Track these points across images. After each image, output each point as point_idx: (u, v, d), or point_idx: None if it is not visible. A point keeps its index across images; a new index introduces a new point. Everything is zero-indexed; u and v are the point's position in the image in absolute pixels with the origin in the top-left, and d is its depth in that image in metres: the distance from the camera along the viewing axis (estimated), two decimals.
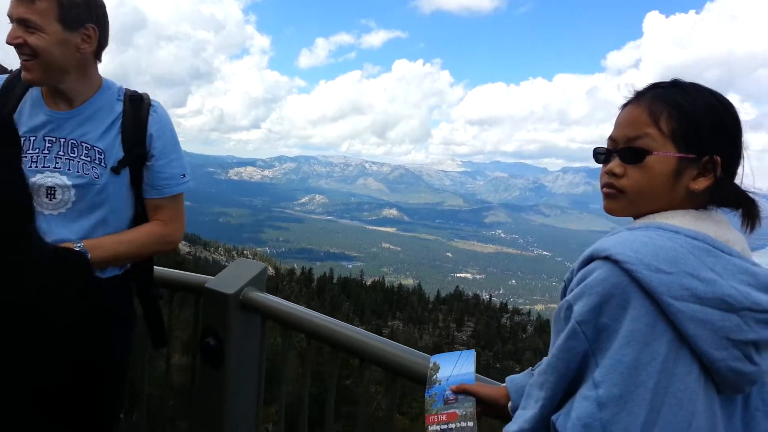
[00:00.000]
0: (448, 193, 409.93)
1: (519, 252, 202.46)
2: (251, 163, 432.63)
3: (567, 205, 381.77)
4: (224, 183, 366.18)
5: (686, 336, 0.90)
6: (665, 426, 0.88)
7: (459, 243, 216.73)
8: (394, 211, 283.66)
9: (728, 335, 0.92)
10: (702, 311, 0.90)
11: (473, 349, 1.52)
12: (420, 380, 1.49)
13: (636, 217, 1.12)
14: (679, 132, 1.07)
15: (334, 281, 56.48)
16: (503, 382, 1.33)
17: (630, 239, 0.97)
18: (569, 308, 0.96)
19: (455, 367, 1.44)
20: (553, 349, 0.99)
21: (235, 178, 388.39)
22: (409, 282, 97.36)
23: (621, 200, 1.12)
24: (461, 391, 1.38)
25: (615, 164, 1.12)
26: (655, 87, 1.13)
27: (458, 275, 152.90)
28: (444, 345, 43.56)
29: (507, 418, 1.33)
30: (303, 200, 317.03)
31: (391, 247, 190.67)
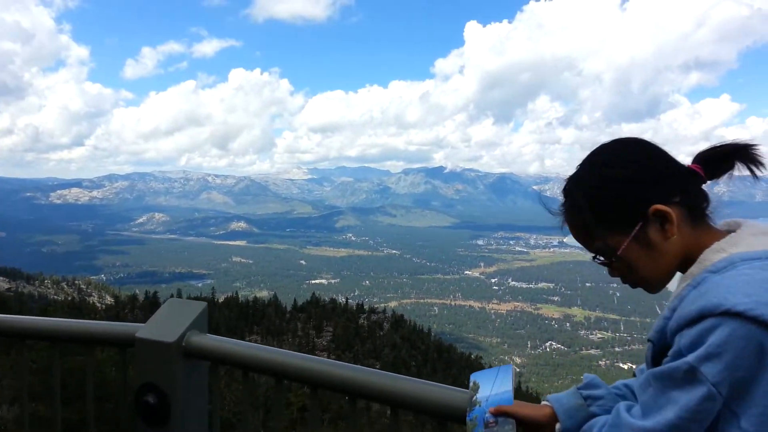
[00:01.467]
0: (297, 201, 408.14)
1: (370, 253, 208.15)
2: (76, 184, 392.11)
3: (410, 205, 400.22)
4: (46, 208, 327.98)
5: None
6: None
7: (312, 250, 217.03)
8: (242, 224, 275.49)
9: None
10: None
11: (510, 364, 1.48)
12: (455, 418, 1.43)
13: (681, 270, 1.15)
14: (610, 221, 1.16)
15: None
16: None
17: (732, 284, 0.96)
18: (693, 369, 0.93)
19: (494, 386, 1.38)
20: (675, 410, 0.96)
21: (59, 201, 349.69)
22: (264, 294, 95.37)
23: (650, 286, 1.20)
24: (500, 413, 1.33)
25: (611, 272, 1.21)
26: (563, 202, 1.25)
27: (313, 282, 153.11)
28: (304, 353, 43.36)
29: None
30: (141, 220, 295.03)
31: (242, 260, 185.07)
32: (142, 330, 1.87)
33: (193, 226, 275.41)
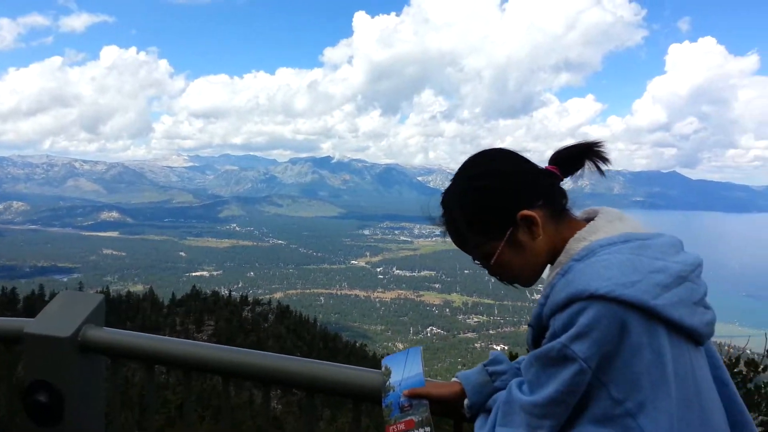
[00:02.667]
0: (176, 190, 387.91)
1: (255, 244, 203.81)
2: None
3: (297, 194, 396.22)
4: None
5: (673, 321, 1.07)
6: (682, 401, 1.06)
7: (192, 241, 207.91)
8: (114, 214, 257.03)
9: (693, 300, 1.13)
10: (674, 295, 1.08)
11: (419, 347, 1.50)
12: (370, 398, 1.41)
13: (551, 262, 1.28)
14: (482, 228, 1.28)
15: (46, 299, 49.46)
16: None
17: (593, 270, 1.11)
18: (565, 348, 1.07)
19: (405, 370, 1.40)
20: (554, 384, 1.10)
21: None
22: (138, 288, 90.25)
23: (525, 282, 1.35)
24: (414, 396, 1.38)
25: (490, 272, 1.34)
26: (442, 213, 1.36)
27: (194, 274, 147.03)
28: None
29: (461, 416, 1.37)
30: None
31: (114, 252, 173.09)
32: (31, 325, 1.73)
33: (57, 216, 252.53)
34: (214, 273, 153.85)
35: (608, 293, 1.05)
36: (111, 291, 57.66)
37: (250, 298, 64.08)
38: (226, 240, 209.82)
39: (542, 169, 1.32)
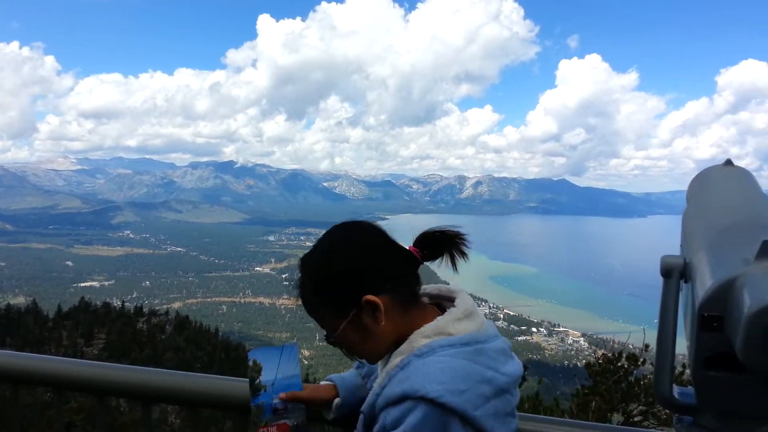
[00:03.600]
0: (63, 195, 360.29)
1: (151, 251, 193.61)
2: None
3: (198, 200, 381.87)
4: None
5: (485, 431, 1.14)
6: None
7: (81, 249, 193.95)
8: None
9: (506, 411, 1.21)
10: (492, 407, 1.16)
11: (295, 344, 1.45)
12: (228, 407, 1.37)
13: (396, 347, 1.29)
14: (327, 305, 1.31)
15: None
16: None
17: (429, 371, 1.15)
18: None
19: (279, 368, 1.36)
20: None
21: None
22: (20, 300, 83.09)
23: (368, 361, 1.38)
24: (294, 400, 1.37)
25: (334, 345, 1.36)
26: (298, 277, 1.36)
27: (83, 285, 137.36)
28: None
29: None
30: None
31: None
32: None
33: None
34: (106, 283, 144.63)
35: (437, 398, 1.10)
36: None
37: (145, 309, 61.23)
38: (119, 248, 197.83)
39: (402, 251, 1.33)
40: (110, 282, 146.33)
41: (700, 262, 0.97)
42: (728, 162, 1.25)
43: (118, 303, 65.12)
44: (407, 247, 1.34)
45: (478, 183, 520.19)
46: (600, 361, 6.30)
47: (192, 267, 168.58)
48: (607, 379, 6.04)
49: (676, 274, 1.02)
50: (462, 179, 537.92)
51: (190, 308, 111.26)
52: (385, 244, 1.33)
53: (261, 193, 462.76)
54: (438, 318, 1.28)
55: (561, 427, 1.61)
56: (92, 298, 64.70)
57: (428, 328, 1.25)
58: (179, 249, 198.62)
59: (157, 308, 67.41)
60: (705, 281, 0.91)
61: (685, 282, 1.03)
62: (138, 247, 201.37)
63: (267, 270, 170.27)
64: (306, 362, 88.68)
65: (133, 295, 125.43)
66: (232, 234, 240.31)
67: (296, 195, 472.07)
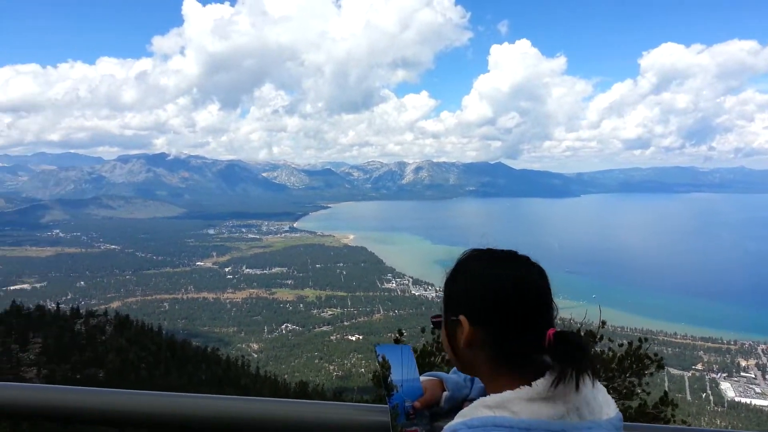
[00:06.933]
0: None
1: (84, 250, 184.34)
2: None
3: (131, 195, 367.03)
4: None
5: None
6: None
7: (8, 250, 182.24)
8: None
9: None
10: None
11: (410, 345, 1.49)
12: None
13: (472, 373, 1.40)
14: (444, 299, 1.38)
15: None
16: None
17: None
18: None
19: (402, 369, 1.38)
20: None
21: None
22: None
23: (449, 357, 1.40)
24: (423, 407, 1.40)
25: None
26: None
27: (13, 288, 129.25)
28: (6, 370, 36.88)
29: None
30: None
31: None
32: None
33: None
34: (37, 285, 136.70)
35: None
36: None
37: (82, 310, 58.11)
38: (49, 248, 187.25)
39: (545, 320, 1.30)
40: (42, 284, 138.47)
41: None
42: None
43: (53, 305, 61.50)
44: (549, 330, 1.27)
45: (418, 168, 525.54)
46: None
47: (128, 265, 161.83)
48: None
49: None
50: (402, 165, 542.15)
51: (130, 307, 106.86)
52: (526, 302, 1.29)
53: (197, 185, 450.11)
54: (507, 391, 1.23)
55: None
56: (24, 302, 60.74)
57: (494, 398, 1.22)
58: (113, 247, 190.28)
59: (94, 309, 64.20)
60: None
61: None
62: (69, 246, 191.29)
63: (209, 264, 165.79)
64: (255, 355, 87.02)
65: (68, 297, 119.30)
66: (169, 229, 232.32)
67: (235, 187, 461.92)
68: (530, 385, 1.22)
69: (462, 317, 1.28)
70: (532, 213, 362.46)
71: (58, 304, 65.94)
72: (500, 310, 1.27)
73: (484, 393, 1.35)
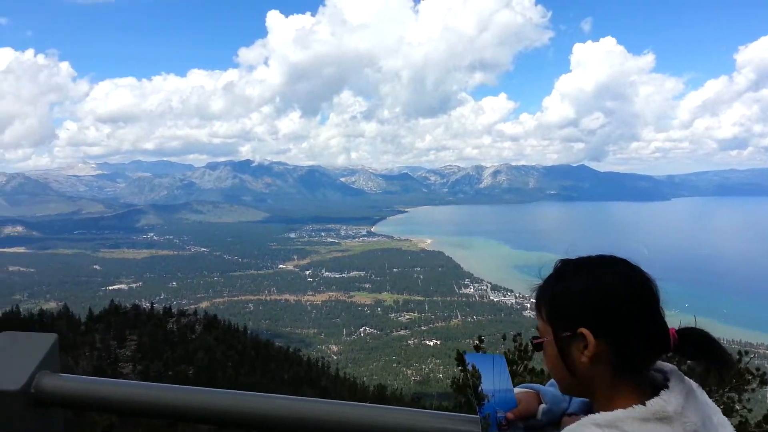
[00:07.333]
0: (85, 200, 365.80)
1: (176, 253, 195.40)
2: None
3: (218, 200, 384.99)
4: None
5: None
6: None
7: (107, 253, 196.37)
8: (18, 228, 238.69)
9: None
10: None
11: (502, 355, 1.42)
12: None
13: (584, 395, 1.30)
14: (551, 315, 1.26)
15: None
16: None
17: None
18: None
19: (494, 379, 1.34)
20: None
21: None
22: (52, 306, 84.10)
23: (557, 383, 1.31)
24: (518, 419, 1.35)
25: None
26: (550, 274, 1.31)
27: (112, 288, 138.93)
28: (106, 366, 39.41)
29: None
30: None
31: (21, 269, 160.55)
32: None
33: None
34: (134, 285, 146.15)
35: None
36: (21, 310, 53.22)
37: (174, 310, 61.36)
38: (144, 250, 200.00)
39: (660, 322, 1.25)
40: (138, 284, 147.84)
41: None
42: None
43: (147, 305, 65.39)
44: (669, 328, 1.25)
45: (496, 172, 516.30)
46: None
47: (216, 267, 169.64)
48: None
49: None
50: (480, 169, 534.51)
51: (218, 307, 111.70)
52: (645, 302, 1.25)
53: (279, 191, 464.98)
54: (620, 409, 1.17)
55: None
56: (121, 301, 65.04)
57: (604, 416, 1.16)
58: (203, 249, 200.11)
59: (185, 308, 67.58)
60: None
61: None
62: (162, 248, 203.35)
63: (290, 267, 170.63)
64: (334, 357, 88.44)
65: (161, 297, 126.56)
66: (253, 233, 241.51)
67: (314, 192, 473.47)
68: (644, 404, 1.16)
69: (584, 330, 1.20)
70: (618, 217, 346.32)
71: (152, 303, 70.06)
72: (623, 317, 1.21)
73: (585, 407, 1.31)
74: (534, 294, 1.32)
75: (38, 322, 48.76)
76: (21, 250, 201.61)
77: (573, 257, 1.31)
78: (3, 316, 49.63)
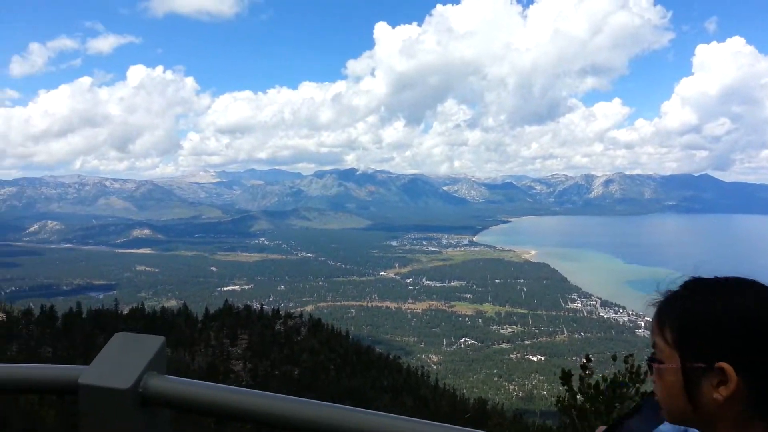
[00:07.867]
0: (205, 206, 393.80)
1: (284, 257, 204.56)
2: None
3: (324, 207, 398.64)
4: None
5: None
6: None
7: (223, 255, 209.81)
8: (146, 231, 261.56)
9: None
10: None
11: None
12: None
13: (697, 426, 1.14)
14: (680, 341, 1.11)
15: (84, 316, 49.74)
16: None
17: None
18: None
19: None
20: None
21: None
22: (172, 303, 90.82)
23: (664, 412, 1.18)
24: None
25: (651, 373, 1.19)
26: (677, 291, 1.17)
27: (226, 288, 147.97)
28: (219, 362, 41.68)
29: None
30: (32, 229, 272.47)
31: (147, 269, 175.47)
32: (87, 374, 1.50)
33: (91, 234, 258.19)
34: (246, 287, 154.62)
35: None
36: (146, 307, 57.82)
37: (281, 312, 63.73)
38: (256, 254, 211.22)
39: None
40: (249, 286, 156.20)
41: None
42: None
43: (258, 306, 68.40)
44: None
45: (608, 181, 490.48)
46: None
47: (321, 272, 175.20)
48: None
49: None
50: (590, 178, 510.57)
51: (322, 311, 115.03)
52: None
53: (382, 198, 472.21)
54: None
55: None
56: (234, 301, 68.77)
57: None
58: (309, 255, 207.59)
59: (291, 311, 70.09)
60: None
61: None
62: (272, 253, 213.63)
63: (391, 275, 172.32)
64: (434, 366, 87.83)
65: (270, 299, 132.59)
66: (356, 239, 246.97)
67: (417, 200, 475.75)
68: None
69: (725, 366, 1.05)
70: (746, 231, 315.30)
71: (262, 305, 73.46)
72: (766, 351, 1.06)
73: None
74: (654, 311, 1.18)
75: (160, 319, 52.76)
76: (147, 251, 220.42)
77: (703, 276, 1.17)
78: (129, 313, 54.32)
